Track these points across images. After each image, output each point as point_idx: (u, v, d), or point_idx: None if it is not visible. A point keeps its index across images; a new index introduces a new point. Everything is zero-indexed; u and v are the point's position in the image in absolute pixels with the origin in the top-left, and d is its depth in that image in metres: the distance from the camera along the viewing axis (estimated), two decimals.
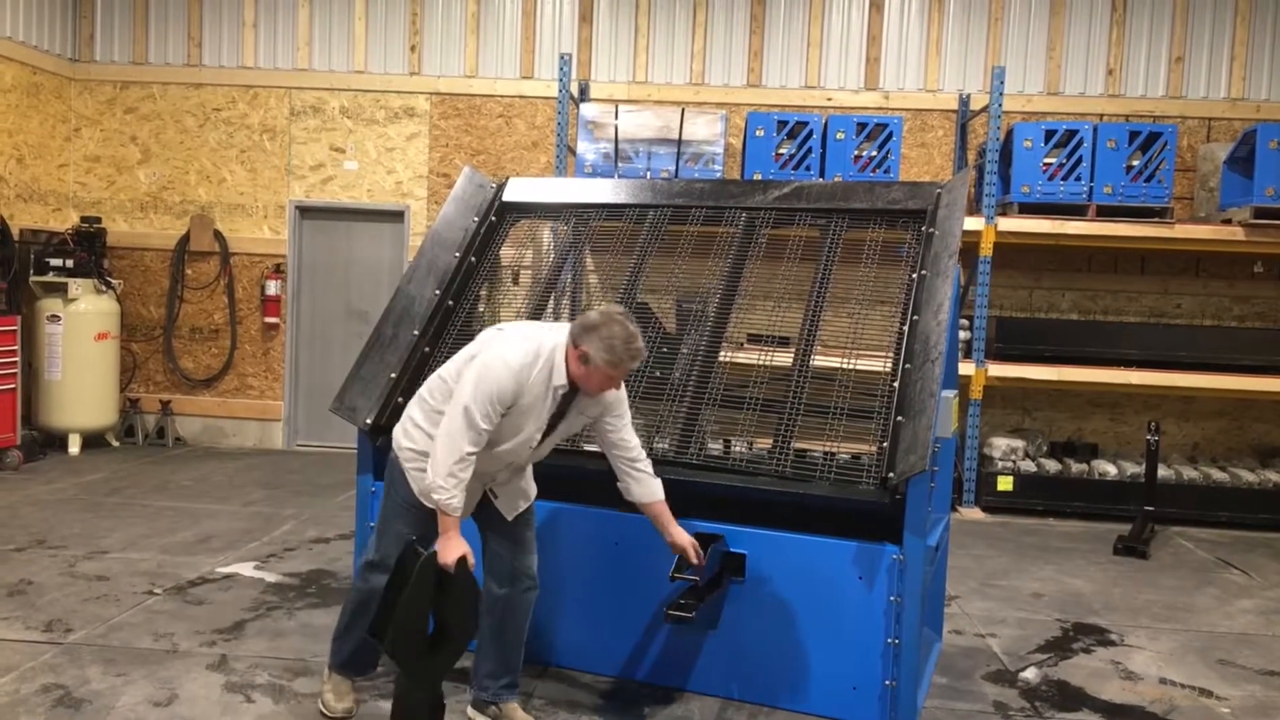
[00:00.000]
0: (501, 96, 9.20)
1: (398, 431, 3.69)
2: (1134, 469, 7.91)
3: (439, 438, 3.38)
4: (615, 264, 4.94)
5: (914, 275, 4.35)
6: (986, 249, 7.92)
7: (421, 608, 3.35)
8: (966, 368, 7.87)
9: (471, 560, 3.41)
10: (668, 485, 3.79)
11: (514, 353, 3.43)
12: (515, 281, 5.18)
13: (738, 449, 4.29)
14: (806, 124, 8.04)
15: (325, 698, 3.86)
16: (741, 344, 4.60)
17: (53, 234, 8.84)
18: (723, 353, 4.50)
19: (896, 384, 4.00)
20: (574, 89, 8.67)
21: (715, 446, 4.35)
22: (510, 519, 3.72)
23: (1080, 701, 4.36)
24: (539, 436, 3.57)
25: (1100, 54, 8.87)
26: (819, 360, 4.33)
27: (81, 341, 8.67)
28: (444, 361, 3.82)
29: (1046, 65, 8.89)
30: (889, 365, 4.13)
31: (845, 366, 4.23)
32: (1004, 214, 8.04)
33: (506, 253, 5.13)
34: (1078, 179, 7.88)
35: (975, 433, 7.99)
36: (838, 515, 3.97)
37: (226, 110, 9.41)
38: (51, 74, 9.16)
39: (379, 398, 4.36)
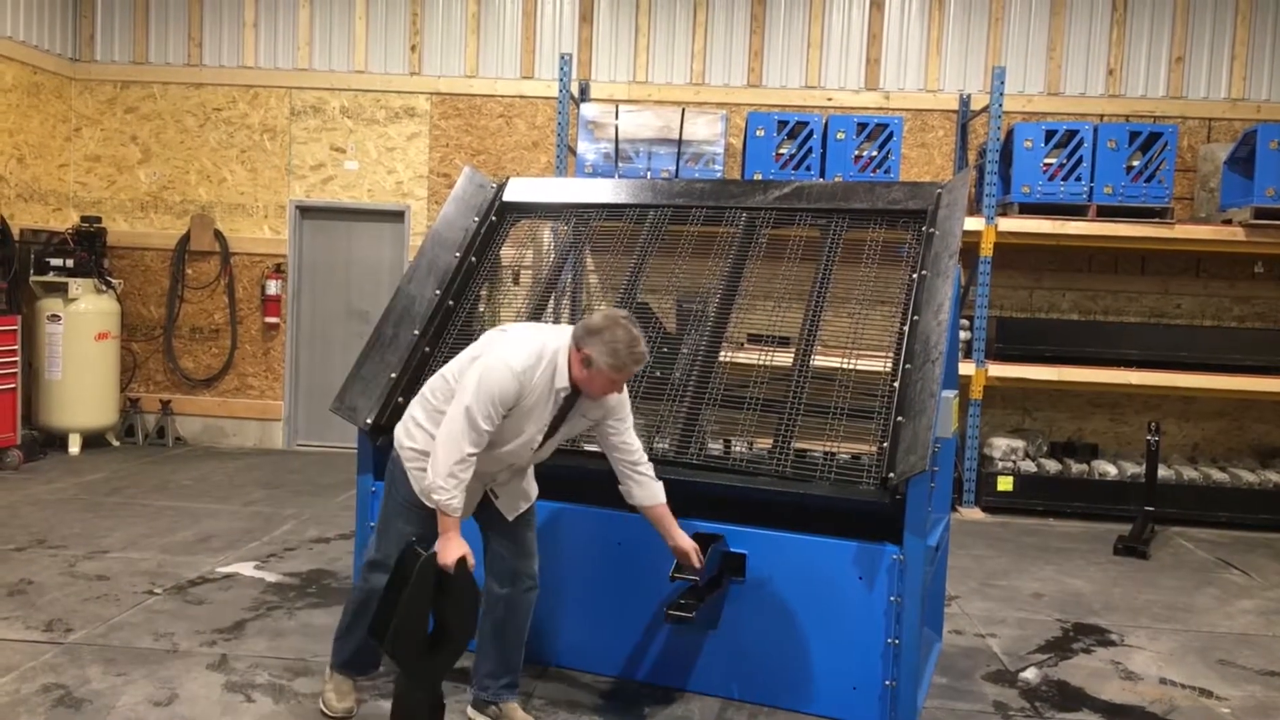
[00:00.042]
0: (502, 96, 9.20)
1: (399, 431, 3.69)
2: (1134, 469, 7.91)
3: (440, 438, 3.38)
4: (615, 264, 4.94)
5: (914, 275, 4.35)
6: (987, 249, 7.93)
7: (421, 608, 3.35)
8: (967, 368, 7.86)
9: (471, 560, 3.41)
10: (668, 485, 3.79)
11: (516, 355, 3.43)
12: (516, 281, 5.18)
13: (738, 449, 4.29)
14: (807, 124, 8.04)
15: (326, 697, 3.86)
16: (742, 344, 4.60)
17: (53, 234, 8.84)
18: (723, 353, 4.50)
19: (897, 384, 4.00)
20: (574, 89, 8.66)
21: (715, 446, 4.35)
22: (511, 519, 3.73)
23: (1080, 702, 4.36)
24: (540, 438, 3.58)
25: (1101, 54, 8.87)
26: (819, 360, 4.33)
27: (82, 341, 8.67)
28: (444, 361, 3.83)
29: (1047, 65, 8.89)
30: (889, 365, 4.13)
31: (845, 367, 4.23)
32: (1004, 214, 8.04)
33: (507, 253, 5.13)
34: (1078, 179, 7.88)
35: (975, 433, 7.99)
36: (838, 515, 3.97)
37: (227, 110, 9.41)
38: (52, 73, 9.16)
39: (379, 397, 4.36)
